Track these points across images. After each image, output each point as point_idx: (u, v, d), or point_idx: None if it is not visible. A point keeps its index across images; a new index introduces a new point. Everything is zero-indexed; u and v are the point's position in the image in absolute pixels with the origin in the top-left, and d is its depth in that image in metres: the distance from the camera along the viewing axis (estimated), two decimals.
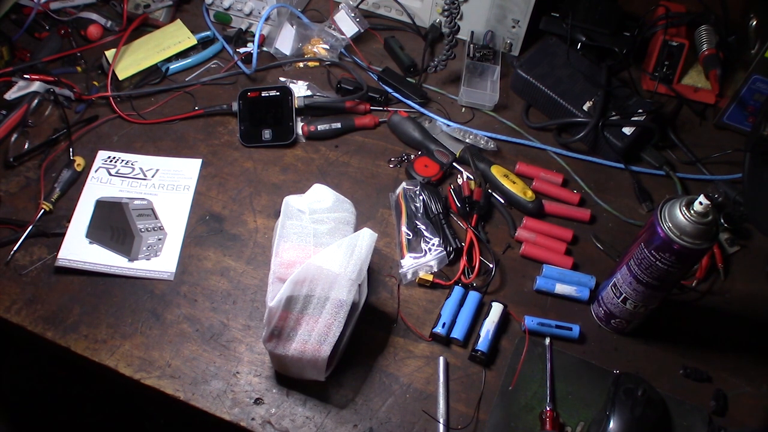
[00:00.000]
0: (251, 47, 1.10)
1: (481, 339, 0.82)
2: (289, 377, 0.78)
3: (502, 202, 0.97)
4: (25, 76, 1.03)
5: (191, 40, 1.11)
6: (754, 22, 1.06)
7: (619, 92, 1.06)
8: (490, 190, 0.97)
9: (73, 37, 1.11)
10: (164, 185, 0.95)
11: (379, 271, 0.89)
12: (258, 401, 0.78)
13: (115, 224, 0.90)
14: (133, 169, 0.96)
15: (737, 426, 0.80)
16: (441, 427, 0.77)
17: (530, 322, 0.84)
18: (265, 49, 1.11)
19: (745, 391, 0.83)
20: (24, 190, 0.93)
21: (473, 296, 0.86)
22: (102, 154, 0.97)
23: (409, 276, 0.88)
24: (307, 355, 0.72)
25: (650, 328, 0.86)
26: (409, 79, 1.10)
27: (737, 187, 1.00)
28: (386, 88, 1.09)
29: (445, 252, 0.88)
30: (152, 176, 0.96)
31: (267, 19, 1.10)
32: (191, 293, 0.86)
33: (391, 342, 0.84)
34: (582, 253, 0.93)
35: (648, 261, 0.74)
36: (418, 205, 0.93)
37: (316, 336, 0.72)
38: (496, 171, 0.98)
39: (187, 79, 1.08)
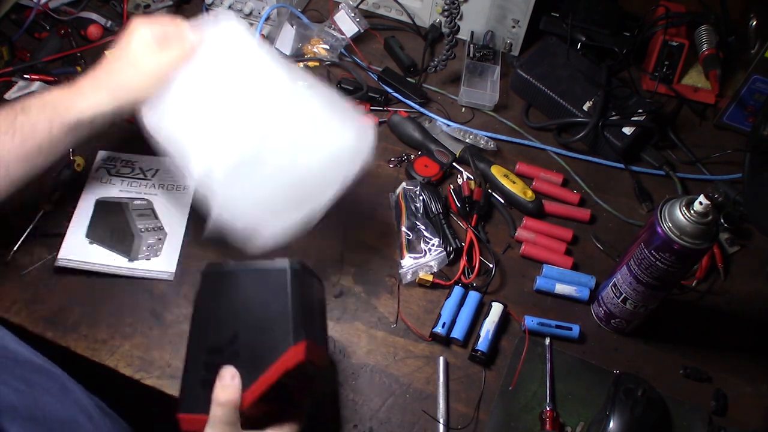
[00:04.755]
0: None
1: (481, 339, 0.82)
2: None
3: (502, 202, 0.97)
4: (25, 76, 1.03)
5: None
6: (754, 22, 1.06)
7: (619, 92, 1.06)
8: (490, 190, 0.97)
9: (73, 37, 1.11)
10: (164, 185, 0.95)
11: (379, 271, 0.90)
12: None
13: (115, 224, 0.90)
14: (133, 169, 0.96)
15: (737, 426, 0.80)
16: (441, 427, 0.77)
17: (530, 322, 0.84)
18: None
19: (745, 391, 0.83)
20: (24, 190, 0.93)
21: (473, 296, 0.86)
22: (102, 154, 0.97)
23: (409, 276, 0.88)
24: None
25: (650, 328, 0.86)
26: (409, 79, 1.10)
27: (737, 187, 1.00)
28: (386, 88, 1.09)
29: (444, 252, 0.88)
30: (152, 176, 0.96)
31: (267, 19, 1.10)
32: (191, 293, 0.86)
33: (391, 342, 0.84)
34: (582, 253, 0.94)
35: (648, 261, 0.74)
36: (418, 205, 0.93)
37: None
38: (496, 171, 0.98)
39: None
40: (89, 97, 0.74)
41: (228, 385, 0.60)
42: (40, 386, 0.58)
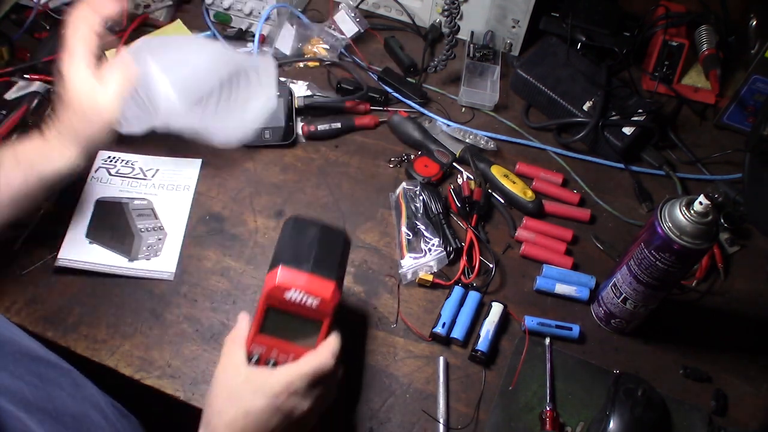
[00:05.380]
0: (251, 47, 1.10)
1: (481, 339, 0.82)
2: None
3: (502, 202, 0.97)
4: (25, 76, 1.02)
5: None
6: (754, 22, 1.06)
7: (619, 92, 1.06)
8: (490, 190, 0.97)
9: None
10: (164, 185, 0.95)
11: (379, 271, 0.90)
12: None
13: (115, 224, 0.90)
14: (133, 169, 0.96)
15: (737, 426, 0.80)
16: (441, 427, 0.77)
17: (530, 322, 0.84)
18: (265, 49, 1.11)
19: (745, 391, 0.83)
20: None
21: (473, 296, 0.86)
22: (102, 154, 0.97)
23: (409, 276, 0.88)
24: None
25: (650, 328, 0.86)
26: (409, 79, 1.10)
27: (737, 187, 1.00)
28: (386, 88, 1.09)
29: (444, 252, 0.88)
30: (152, 176, 0.96)
31: (267, 19, 1.10)
32: (191, 293, 0.86)
33: (391, 342, 0.84)
34: (582, 253, 0.93)
35: (648, 261, 0.74)
36: (418, 205, 0.93)
37: None
38: (496, 171, 0.98)
39: None
40: (62, 154, 0.76)
41: (235, 327, 0.68)
42: (52, 382, 0.59)
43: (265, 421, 0.62)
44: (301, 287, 0.65)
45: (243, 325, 0.68)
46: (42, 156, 0.75)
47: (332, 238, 0.71)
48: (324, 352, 0.66)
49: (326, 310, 0.66)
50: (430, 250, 0.89)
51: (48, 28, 1.11)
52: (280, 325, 0.66)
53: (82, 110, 0.74)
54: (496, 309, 0.85)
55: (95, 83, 0.74)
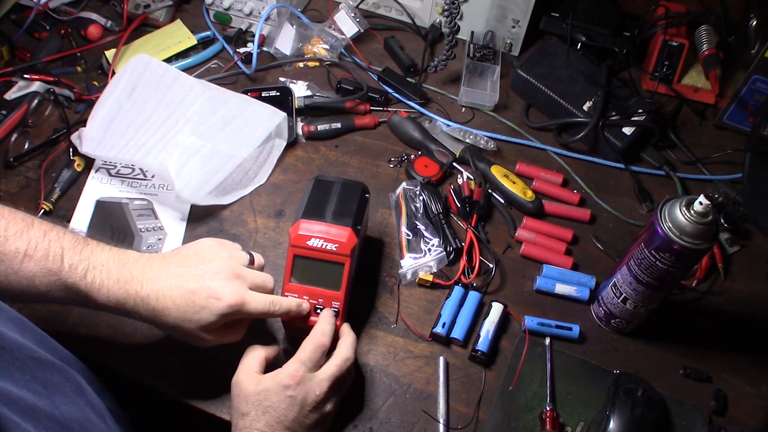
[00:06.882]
0: (251, 47, 1.10)
1: (481, 339, 0.82)
2: None
3: (502, 202, 0.97)
4: (25, 76, 1.02)
5: (191, 40, 1.11)
6: (754, 22, 1.06)
7: (619, 92, 1.06)
8: (490, 190, 0.97)
9: (73, 37, 1.11)
10: (164, 185, 0.95)
11: (379, 271, 0.89)
12: None
13: (115, 224, 0.90)
14: (133, 169, 0.96)
15: (737, 426, 0.80)
16: (441, 427, 0.77)
17: (530, 322, 0.84)
18: (265, 49, 1.11)
19: (745, 391, 0.83)
20: (24, 190, 0.93)
21: (473, 296, 0.86)
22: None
23: (408, 276, 0.88)
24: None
25: (650, 328, 0.86)
26: (409, 79, 1.10)
27: (737, 187, 1.00)
28: (386, 88, 1.09)
29: (444, 252, 0.88)
30: (152, 176, 0.96)
31: (267, 19, 1.10)
32: None
33: (391, 342, 0.84)
34: (582, 253, 0.94)
35: (648, 261, 0.74)
36: (418, 205, 0.93)
37: None
38: (496, 171, 0.98)
39: None
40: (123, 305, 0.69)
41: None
42: (56, 387, 0.59)
43: (283, 411, 0.67)
44: (320, 235, 0.75)
45: (256, 348, 0.74)
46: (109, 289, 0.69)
47: (350, 190, 0.81)
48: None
49: (345, 252, 0.75)
50: (430, 250, 0.89)
51: (48, 28, 1.11)
52: (308, 273, 0.76)
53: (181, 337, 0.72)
54: (496, 309, 0.85)
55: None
